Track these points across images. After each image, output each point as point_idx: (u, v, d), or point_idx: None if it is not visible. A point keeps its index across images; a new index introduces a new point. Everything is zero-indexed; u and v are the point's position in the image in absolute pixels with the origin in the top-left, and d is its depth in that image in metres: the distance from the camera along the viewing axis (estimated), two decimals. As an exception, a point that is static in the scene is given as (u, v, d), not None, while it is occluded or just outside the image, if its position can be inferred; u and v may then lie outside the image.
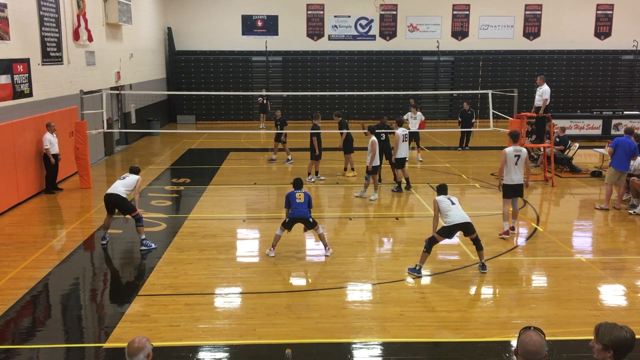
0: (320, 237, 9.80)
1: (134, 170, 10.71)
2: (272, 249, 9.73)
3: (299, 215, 9.58)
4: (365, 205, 13.31)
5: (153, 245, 10.21)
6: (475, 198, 14.22)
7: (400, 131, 14.22)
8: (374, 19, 29.08)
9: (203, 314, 7.61)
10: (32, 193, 13.73)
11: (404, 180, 14.58)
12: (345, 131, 15.64)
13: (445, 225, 8.86)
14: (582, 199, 14.30)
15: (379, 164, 13.87)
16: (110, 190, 10.29)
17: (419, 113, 19.01)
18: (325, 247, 9.79)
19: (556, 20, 29.13)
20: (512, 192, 10.72)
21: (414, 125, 18.61)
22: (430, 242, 8.89)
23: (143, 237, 10.18)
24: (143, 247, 10.09)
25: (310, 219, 9.65)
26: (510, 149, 10.55)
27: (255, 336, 6.99)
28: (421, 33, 29.26)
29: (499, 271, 9.19)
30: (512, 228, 10.83)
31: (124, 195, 10.24)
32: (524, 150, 10.68)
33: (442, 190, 9.33)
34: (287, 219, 9.64)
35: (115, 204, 10.25)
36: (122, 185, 10.30)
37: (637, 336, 3.64)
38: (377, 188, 13.78)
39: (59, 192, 14.32)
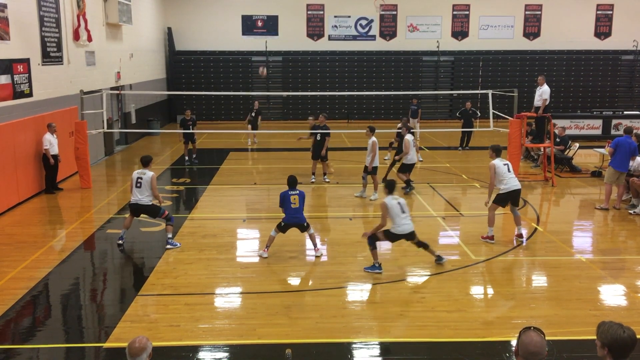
0: (311, 238, 9.80)
1: (145, 162, 10.32)
2: (266, 249, 9.71)
3: (294, 222, 9.63)
4: (365, 205, 13.31)
5: (178, 244, 10.22)
6: (475, 198, 14.20)
7: (410, 137, 14.01)
8: (374, 19, 29.08)
9: (203, 314, 7.61)
10: (32, 193, 13.73)
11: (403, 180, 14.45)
12: (313, 131, 15.48)
13: (392, 231, 8.85)
14: (582, 199, 14.30)
15: (378, 164, 13.84)
16: (133, 201, 10.13)
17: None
18: (314, 247, 9.76)
19: (556, 21, 29.14)
20: (508, 199, 10.33)
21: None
22: (374, 239, 8.95)
23: (170, 235, 10.20)
24: (169, 246, 10.08)
25: (305, 224, 9.69)
26: (496, 161, 10.31)
27: (255, 336, 6.99)
28: (421, 33, 29.26)
29: (499, 271, 9.19)
30: (520, 235, 10.51)
31: (149, 203, 10.16)
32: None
33: (391, 188, 9.00)
34: (283, 224, 9.66)
35: (142, 211, 10.30)
36: (143, 193, 10.04)
37: (638, 336, 3.64)
38: (377, 188, 13.75)
39: (59, 192, 14.32)
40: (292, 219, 9.57)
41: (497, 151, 10.47)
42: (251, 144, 22.14)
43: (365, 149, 13.71)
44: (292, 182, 9.83)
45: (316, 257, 9.69)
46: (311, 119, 16.00)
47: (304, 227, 9.71)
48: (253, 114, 21.88)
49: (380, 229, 8.90)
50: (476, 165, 17.82)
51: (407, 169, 14.12)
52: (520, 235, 10.56)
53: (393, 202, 8.79)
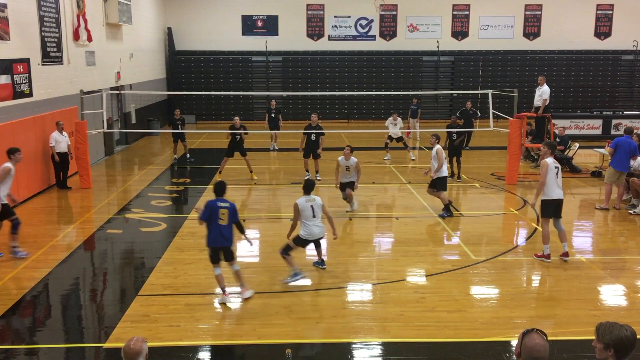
0: (236, 275, 7.94)
1: (7, 153, 9.83)
2: (225, 292, 7.87)
3: (220, 244, 7.70)
4: (365, 205, 13.30)
5: (24, 254, 9.63)
6: (475, 198, 14.22)
7: (439, 147, 12.53)
8: (374, 19, 29.08)
9: (203, 314, 7.61)
10: (32, 193, 13.73)
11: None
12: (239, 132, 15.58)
13: (301, 236, 8.60)
14: (582, 199, 14.29)
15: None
16: None
17: (399, 119, 18.75)
18: (241, 288, 7.98)
19: (556, 21, 29.13)
20: (552, 209, 9.47)
21: (394, 129, 18.44)
22: (286, 250, 8.60)
23: (14, 244, 9.63)
24: (13, 255, 9.59)
25: (231, 247, 7.77)
26: (550, 160, 9.45)
27: (255, 336, 6.99)
28: (421, 33, 29.26)
29: (499, 271, 9.18)
30: (566, 254, 9.50)
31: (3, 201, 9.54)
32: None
33: (308, 189, 8.60)
34: (210, 250, 7.82)
35: None
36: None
37: (638, 336, 3.64)
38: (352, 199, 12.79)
39: (67, 191, 14.47)
40: (218, 241, 7.68)
41: (552, 148, 9.66)
42: (275, 147, 20.70)
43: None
44: (220, 189, 7.86)
45: (244, 298, 7.94)
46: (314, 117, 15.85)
47: (230, 254, 7.79)
48: (272, 115, 20.23)
49: (293, 229, 8.65)
50: (475, 166, 17.82)
51: (443, 184, 12.41)
52: (565, 254, 9.52)
53: (305, 205, 8.45)
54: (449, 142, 15.74)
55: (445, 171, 12.44)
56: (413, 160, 18.56)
